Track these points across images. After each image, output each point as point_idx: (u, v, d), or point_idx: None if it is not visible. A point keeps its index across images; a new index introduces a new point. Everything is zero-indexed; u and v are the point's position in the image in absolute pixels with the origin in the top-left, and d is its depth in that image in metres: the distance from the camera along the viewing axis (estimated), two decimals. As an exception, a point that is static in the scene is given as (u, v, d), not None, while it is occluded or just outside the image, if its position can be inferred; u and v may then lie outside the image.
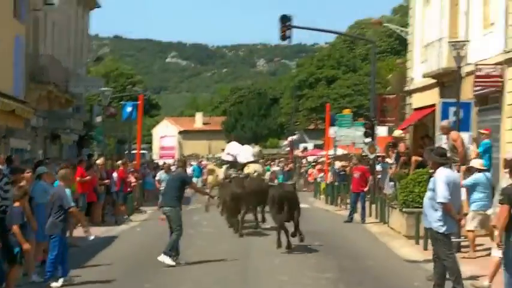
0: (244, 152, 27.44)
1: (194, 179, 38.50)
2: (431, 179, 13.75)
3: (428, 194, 13.63)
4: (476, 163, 18.21)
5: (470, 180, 17.96)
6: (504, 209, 12.43)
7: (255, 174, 25.78)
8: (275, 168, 52.25)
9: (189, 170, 45.03)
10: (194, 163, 70.15)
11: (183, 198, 18.78)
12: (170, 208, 18.07)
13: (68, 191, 16.24)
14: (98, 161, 31.04)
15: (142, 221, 30.85)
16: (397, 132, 29.00)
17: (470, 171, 18.36)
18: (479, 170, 17.99)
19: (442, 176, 13.31)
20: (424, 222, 14.02)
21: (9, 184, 17.30)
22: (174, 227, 18.01)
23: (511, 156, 14.96)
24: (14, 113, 32.46)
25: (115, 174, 30.69)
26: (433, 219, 13.33)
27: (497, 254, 13.79)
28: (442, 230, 13.26)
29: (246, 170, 26.08)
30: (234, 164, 26.90)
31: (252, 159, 27.31)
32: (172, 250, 17.91)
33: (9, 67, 33.63)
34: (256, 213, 25.73)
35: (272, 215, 21.08)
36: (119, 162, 33.59)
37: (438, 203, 13.18)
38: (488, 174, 18.30)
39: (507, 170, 14.84)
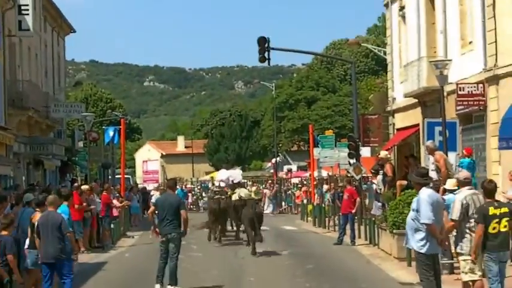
0: (235, 175, 33.08)
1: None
2: (415, 199, 13.72)
3: (411, 214, 13.58)
4: (448, 184, 17.83)
5: None
6: (479, 227, 13.17)
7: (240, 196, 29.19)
8: (265, 190, 56.92)
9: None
10: (178, 187, 70.17)
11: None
12: (176, 234, 17.59)
13: (65, 216, 16.21)
14: (83, 187, 30.78)
15: (130, 246, 30.53)
16: (383, 153, 28.89)
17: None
18: (452, 191, 17.64)
19: (425, 196, 13.27)
20: (407, 243, 13.90)
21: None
22: (173, 252, 17.55)
23: (464, 176, 14.78)
24: (-5, 139, 32.39)
25: (98, 200, 30.34)
26: (415, 239, 13.30)
27: (466, 278, 13.77)
28: (423, 250, 13.21)
29: (236, 193, 29.71)
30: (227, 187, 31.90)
31: (241, 178, 34.48)
32: (174, 278, 17.52)
33: (-13, 93, 33.51)
34: (238, 227, 30.55)
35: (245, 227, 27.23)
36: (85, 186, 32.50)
37: (422, 223, 13.14)
38: None
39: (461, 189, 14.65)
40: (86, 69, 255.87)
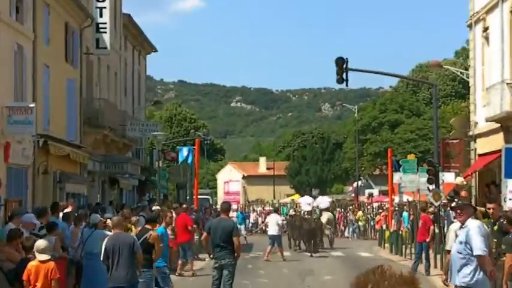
0: (323, 202, 43.68)
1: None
2: (462, 230, 12.57)
3: (457, 246, 12.47)
4: None
5: None
6: (509, 257, 13.25)
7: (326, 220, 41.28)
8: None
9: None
10: (259, 208, 69.53)
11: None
12: (230, 261, 16.83)
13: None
14: (154, 207, 30.46)
15: (199, 269, 29.67)
16: (459, 180, 27.87)
17: None
18: None
19: (476, 227, 12.25)
20: (451, 279, 12.72)
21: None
22: (227, 280, 16.82)
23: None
24: (68, 157, 32.20)
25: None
26: (462, 274, 12.20)
27: None
28: (471, 283, 12.07)
29: (323, 217, 41.61)
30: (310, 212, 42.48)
31: (328, 205, 45.47)
32: None
33: (62, 111, 33.43)
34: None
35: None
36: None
37: (475, 256, 12.06)
38: None
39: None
40: (174, 89, 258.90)
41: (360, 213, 59.01)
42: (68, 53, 34.67)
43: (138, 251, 14.77)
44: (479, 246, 12.05)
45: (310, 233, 37.77)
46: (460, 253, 12.25)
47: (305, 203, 44.17)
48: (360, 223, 57.42)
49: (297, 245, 40.26)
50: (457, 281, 12.32)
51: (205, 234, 17.59)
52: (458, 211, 12.68)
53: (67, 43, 34.54)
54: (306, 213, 41.71)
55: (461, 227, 12.57)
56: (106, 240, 15.16)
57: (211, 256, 17.22)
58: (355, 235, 55.83)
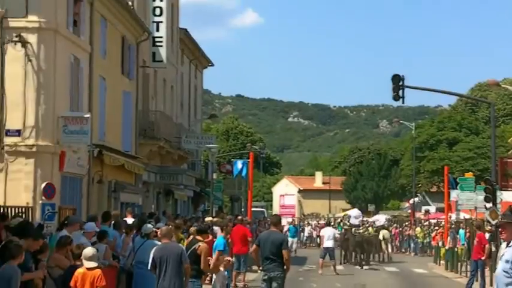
0: (380, 219, 45.46)
1: (289, 239, 37.14)
2: (508, 249, 12.07)
3: (503, 265, 11.99)
4: None
5: None
6: None
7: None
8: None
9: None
10: (313, 222, 69.28)
11: None
12: (279, 273, 16.59)
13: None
14: (207, 219, 30.57)
15: (251, 281, 29.52)
16: (513, 199, 27.34)
17: None
18: None
19: None
20: None
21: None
22: None
23: None
24: (123, 167, 32.40)
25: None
26: None
27: None
28: None
29: (380, 235, 43.37)
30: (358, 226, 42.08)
31: (385, 222, 47.69)
32: None
33: (118, 122, 33.70)
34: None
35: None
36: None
37: None
38: None
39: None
40: (232, 103, 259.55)
41: (418, 229, 58.51)
42: (124, 65, 34.98)
43: (186, 262, 14.78)
44: None
45: (362, 245, 38.82)
46: (506, 272, 11.76)
47: (353, 215, 44.66)
48: (419, 240, 56.95)
49: (349, 258, 40.36)
50: None
51: (254, 246, 17.45)
52: (500, 229, 12.27)
53: (123, 56, 34.84)
54: (355, 227, 41.58)
55: (507, 246, 12.12)
56: (154, 249, 15.17)
57: (261, 268, 17.12)
58: (415, 251, 55.45)
